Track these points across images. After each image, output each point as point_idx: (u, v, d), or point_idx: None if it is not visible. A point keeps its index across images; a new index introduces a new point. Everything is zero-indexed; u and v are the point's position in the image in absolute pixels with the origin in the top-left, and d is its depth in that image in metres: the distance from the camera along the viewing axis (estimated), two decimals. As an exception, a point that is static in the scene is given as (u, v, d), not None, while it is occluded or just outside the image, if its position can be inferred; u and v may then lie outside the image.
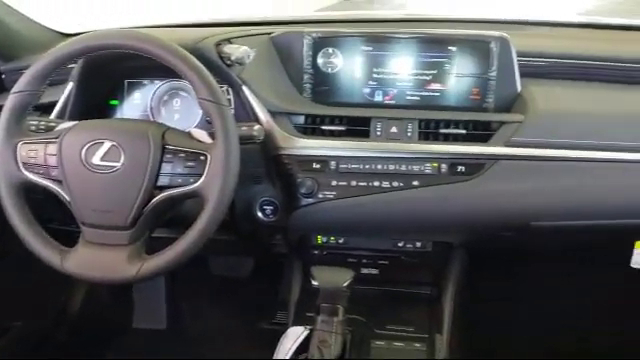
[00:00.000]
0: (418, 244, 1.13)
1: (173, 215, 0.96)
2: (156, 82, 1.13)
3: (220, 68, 1.01)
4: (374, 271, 1.18)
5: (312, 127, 1.06)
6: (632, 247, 1.04)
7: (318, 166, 1.03)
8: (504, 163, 0.99)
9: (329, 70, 1.10)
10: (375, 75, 1.10)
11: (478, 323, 1.33)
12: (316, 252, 1.17)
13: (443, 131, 1.03)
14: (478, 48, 1.06)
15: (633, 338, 1.40)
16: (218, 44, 1.02)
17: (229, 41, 1.05)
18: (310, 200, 1.03)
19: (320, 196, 1.02)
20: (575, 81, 1.13)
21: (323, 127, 1.05)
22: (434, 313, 1.14)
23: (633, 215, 1.02)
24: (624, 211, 1.02)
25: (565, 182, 1.00)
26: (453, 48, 1.07)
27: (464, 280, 1.18)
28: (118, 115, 1.13)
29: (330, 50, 1.10)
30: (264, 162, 1.03)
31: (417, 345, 1.05)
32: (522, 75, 1.08)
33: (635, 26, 1.44)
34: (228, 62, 1.01)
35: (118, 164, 0.87)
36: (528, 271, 1.44)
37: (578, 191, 1.00)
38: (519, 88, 1.06)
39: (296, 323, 1.03)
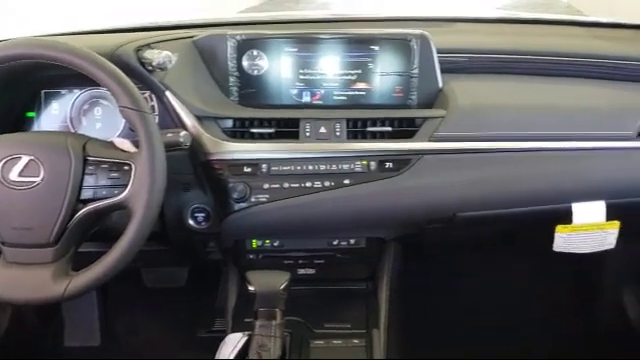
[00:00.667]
0: (352, 241, 1.14)
1: (100, 228, 0.92)
2: (75, 91, 1.08)
3: (141, 74, 0.98)
4: (310, 271, 1.18)
5: (241, 130, 1.05)
6: (554, 232, 1.10)
7: (249, 170, 1.02)
8: (429, 157, 1.02)
9: (255, 72, 1.10)
10: (302, 76, 1.10)
11: (414, 314, 1.36)
12: (252, 256, 1.16)
13: (370, 129, 1.05)
14: (399, 46, 1.08)
15: (560, 321, 1.48)
16: (138, 49, 0.99)
17: (149, 46, 1.02)
18: (243, 205, 1.02)
19: (253, 200, 1.01)
20: (494, 75, 1.18)
21: (252, 130, 1.04)
22: (371, 308, 1.15)
23: (553, 201, 1.07)
24: (544, 197, 1.07)
25: (487, 173, 1.04)
26: (375, 47, 1.08)
27: (398, 273, 1.21)
28: (35, 128, 1.08)
29: (255, 52, 1.09)
30: (193, 168, 1.01)
31: (355, 341, 1.06)
32: (443, 71, 1.11)
33: (549, 20, 1.52)
34: (149, 68, 0.99)
35: (38, 179, 0.83)
36: (459, 260, 1.49)
37: (499, 181, 1.04)
38: (440, 84, 1.10)
39: (234, 330, 1.02)
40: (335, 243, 1.15)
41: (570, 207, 1.06)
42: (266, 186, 1.01)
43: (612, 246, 1.11)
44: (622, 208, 1.09)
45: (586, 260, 1.16)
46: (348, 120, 1.05)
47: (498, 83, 1.15)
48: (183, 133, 0.93)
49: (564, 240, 1.09)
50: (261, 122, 1.05)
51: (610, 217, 1.08)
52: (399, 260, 1.20)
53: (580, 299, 1.59)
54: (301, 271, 1.18)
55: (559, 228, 1.08)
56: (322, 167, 1.02)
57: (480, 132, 1.03)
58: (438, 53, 1.10)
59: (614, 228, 1.10)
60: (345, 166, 1.02)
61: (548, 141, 1.04)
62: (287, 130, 1.04)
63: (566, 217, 1.07)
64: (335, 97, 1.11)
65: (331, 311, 1.14)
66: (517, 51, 1.19)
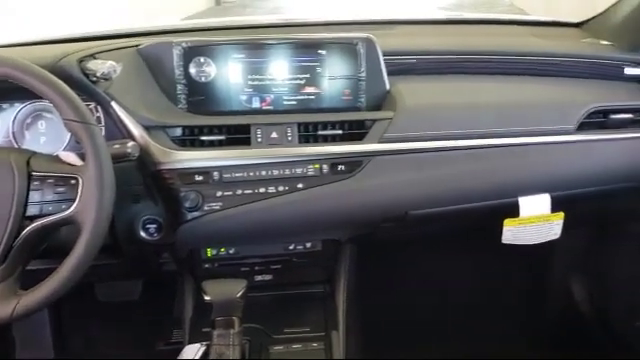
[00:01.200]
0: (308, 245, 1.15)
1: (49, 245, 0.90)
2: (16, 105, 1.05)
3: (85, 85, 0.96)
4: (268, 277, 1.18)
5: (191, 139, 1.03)
6: (502, 225, 1.13)
7: (201, 178, 1.01)
8: (379, 159, 1.04)
9: (203, 79, 1.09)
10: (251, 82, 1.10)
11: (372, 314, 1.37)
12: (207, 266, 1.14)
13: (321, 133, 1.06)
14: (346, 50, 1.10)
15: (512, 310, 1.53)
16: (81, 60, 0.97)
17: (93, 56, 1.01)
18: (196, 214, 1.01)
19: (206, 208, 1.01)
20: (439, 75, 1.21)
21: (202, 138, 1.03)
22: (329, 310, 1.16)
23: (500, 196, 1.10)
24: (491, 193, 1.10)
25: (436, 171, 1.06)
26: (323, 52, 1.09)
27: (354, 274, 1.22)
28: (-24, 144, 1.04)
29: (202, 59, 1.08)
30: (143, 179, 1.00)
31: (315, 344, 1.07)
32: (390, 73, 1.13)
33: (491, 20, 1.57)
34: (93, 79, 0.96)
35: None
36: (413, 258, 1.51)
37: (448, 178, 1.07)
38: (388, 86, 1.11)
39: (192, 340, 1.01)
40: (291, 248, 1.15)
41: (517, 201, 1.10)
42: (219, 194, 1.01)
43: (557, 236, 1.16)
44: (566, 199, 1.13)
45: (534, 251, 1.20)
46: (299, 124, 1.06)
47: (443, 83, 1.18)
48: (131, 144, 0.91)
49: (512, 233, 1.13)
50: (211, 129, 1.04)
51: (555, 209, 1.13)
52: (355, 261, 1.22)
53: (530, 288, 1.65)
54: (258, 278, 1.18)
55: (507, 222, 1.12)
56: (275, 172, 1.02)
57: (427, 132, 1.05)
58: (384, 56, 1.12)
59: (559, 219, 1.14)
60: (298, 170, 1.03)
61: (493, 138, 1.08)
62: (238, 136, 1.04)
63: (513, 211, 1.11)
64: (285, 102, 1.11)
65: (290, 316, 1.14)
66: (460, 51, 1.23)
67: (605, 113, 1.15)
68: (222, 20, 1.53)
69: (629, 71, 1.27)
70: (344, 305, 1.16)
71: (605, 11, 1.37)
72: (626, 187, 1.20)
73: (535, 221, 1.12)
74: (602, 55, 1.27)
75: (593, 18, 1.42)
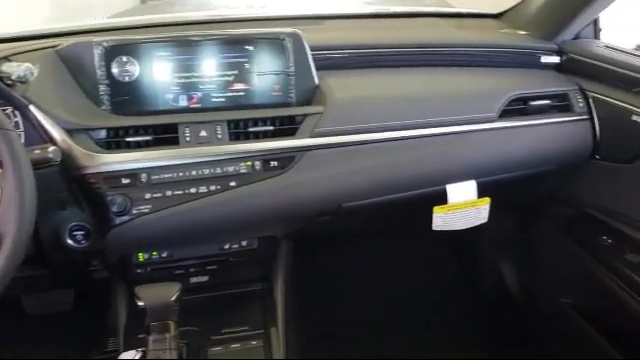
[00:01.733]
0: (244, 243, 1.14)
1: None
2: None
3: (0, 89, 0.91)
4: (204, 278, 1.16)
5: (116, 140, 1.00)
6: (432, 212, 1.16)
7: (128, 181, 0.98)
8: (311, 153, 1.04)
9: (126, 79, 1.05)
10: (177, 80, 1.07)
11: (310, 309, 1.38)
12: (139, 271, 1.12)
13: (252, 129, 1.05)
14: (273, 45, 1.09)
15: (446, 292, 1.58)
16: (-6, 63, 0.92)
17: (8, 59, 0.96)
18: (124, 218, 0.98)
19: (135, 212, 0.98)
20: (367, 69, 1.22)
21: (128, 139, 1.00)
22: (267, 307, 1.16)
23: (429, 184, 1.14)
24: (421, 182, 1.13)
25: (367, 163, 1.08)
26: (250, 47, 1.08)
27: (292, 270, 1.22)
28: None
29: (125, 58, 1.05)
30: (66, 185, 0.96)
31: (254, 342, 1.06)
32: (318, 68, 1.13)
33: (416, 13, 1.61)
34: (9, 82, 0.91)
35: None
36: (349, 250, 1.53)
37: (379, 170, 1.09)
38: (317, 81, 1.12)
39: (127, 348, 0.98)
40: (227, 247, 1.14)
41: (445, 188, 1.14)
42: (148, 196, 0.98)
43: (485, 220, 1.20)
44: (491, 185, 1.18)
45: (464, 235, 1.24)
46: (229, 122, 1.04)
47: (371, 77, 1.20)
48: (52, 148, 0.87)
49: (442, 219, 1.17)
50: (137, 130, 1.01)
51: (481, 194, 1.17)
52: (292, 257, 1.22)
53: (462, 271, 1.71)
54: (194, 279, 1.16)
55: (436, 209, 1.15)
56: (206, 171, 1.01)
57: (357, 125, 1.07)
58: (312, 51, 1.12)
59: (485, 204, 1.19)
60: (230, 168, 1.02)
61: (420, 129, 1.10)
62: (166, 136, 1.01)
63: (442, 198, 1.14)
64: (214, 99, 1.09)
65: (227, 316, 1.13)
66: (387, 45, 1.25)
67: (525, 100, 1.21)
68: (146, 18, 1.48)
69: (545, 59, 1.33)
70: (282, 301, 1.16)
71: (522, 2, 1.44)
72: (547, 170, 1.26)
73: (463, 207, 1.16)
74: (519, 45, 1.33)
75: (511, 9, 1.48)
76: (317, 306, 1.45)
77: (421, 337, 1.57)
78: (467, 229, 1.21)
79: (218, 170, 1.01)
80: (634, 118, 1.16)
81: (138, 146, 1.00)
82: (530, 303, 1.54)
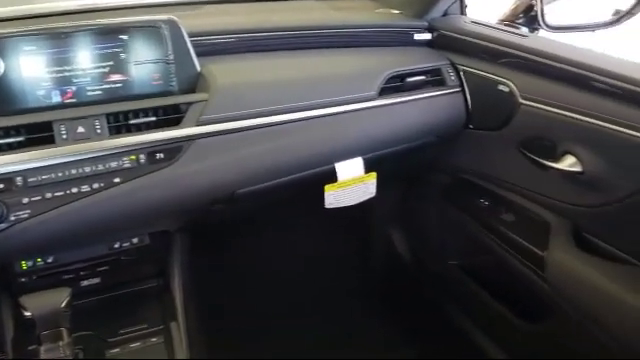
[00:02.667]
0: (135, 240, 1.11)
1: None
2: None
3: None
4: (95, 280, 1.12)
5: None
6: (324, 191, 1.20)
7: (2, 186, 0.91)
8: (200, 142, 1.03)
9: (-11, 77, 0.98)
10: (48, 74, 1.00)
11: (212, 300, 1.38)
12: (24, 280, 1.05)
13: (134, 122, 1.01)
14: (150, 34, 1.05)
15: (344, 265, 1.63)
16: None
17: None
18: (1, 226, 0.91)
19: (12, 218, 0.91)
20: (249, 53, 1.22)
21: None
22: (165, 303, 1.14)
23: (318, 164, 1.17)
24: (310, 162, 1.16)
25: (256, 148, 1.08)
26: (124, 36, 1.04)
27: (188, 263, 1.21)
28: None
29: (-15, 55, 0.97)
30: None
31: (154, 340, 1.05)
32: (199, 54, 1.11)
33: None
34: None
35: None
36: (246, 237, 1.54)
37: (269, 154, 1.10)
38: (198, 68, 1.10)
39: (19, 361, 0.93)
40: (117, 246, 1.10)
41: (334, 167, 1.17)
42: (25, 200, 0.92)
43: (374, 194, 1.26)
44: (377, 160, 1.23)
45: (356, 210, 1.29)
46: (108, 115, 1.00)
47: (253, 61, 1.20)
48: None
49: (334, 197, 1.20)
50: (7, 131, 0.94)
51: (368, 169, 1.22)
52: (188, 249, 1.21)
53: (357, 245, 1.77)
54: (84, 283, 1.11)
55: (327, 187, 1.19)
56: (87, 169, 0.96)
57: (243, 110, 1.07)
58: (191, 37, 1.10)
59: (373, 179, 1.24)
60: (113, 164, 0.98)
61: (305, 111, 1.12)
62: (40, 135, 0.95)
63: (332, 176, 1.18)
64: (89, 93, 1.04)
65: (124, 316, 1.10)
66: (268, 28, 1.25)
67: (402, 77, 1.27)
68: (10, 10, 1.37)
69: (417, 36, 1.40)
70: (181, 296, 1.15)
71: (393, -18, 1.50)
72: (427, 142, 1.34)
73: (352, 183, 1.21)
74: (393, 24, 1.39)
75: (384, -11, 1.54)
76: (218, 296, 1.44)
77: (323, 315, 1.62)
78: (358, 204, 1.26)
79: (100, 167, 0.97)
80: (500, 88, 1.26)
81: (10, 148, 0.93)
82: (421, 269, 1.64)
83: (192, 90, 1.10)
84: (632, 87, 1.01)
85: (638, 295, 0.98)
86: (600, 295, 1.03)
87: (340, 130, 1.17)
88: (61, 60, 1.01)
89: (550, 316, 1.23)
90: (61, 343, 0.86)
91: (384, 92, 1.23)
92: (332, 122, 1.15)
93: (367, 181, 1.23)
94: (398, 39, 1.38)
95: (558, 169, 1.13)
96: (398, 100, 1.24)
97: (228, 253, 1.52)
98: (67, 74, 1.02)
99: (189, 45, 1.09)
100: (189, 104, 1.04)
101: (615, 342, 1.01)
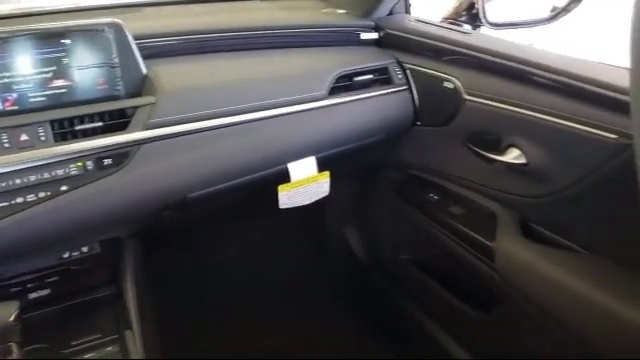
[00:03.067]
0: (85, 249, 1.08)
1: None
2: None
3: None
4: (45, 292, 1.08)
5: None
6: (277, 192, 1.20)
7: None
8: (148, 146, 1.01)
9: None
10: (-14, 82, 0.97)
11: (167, 306, 1.36)
12: None
13: (80, 127, 0.99)
14: (93, 37, 1.03)
15: (300, 264, 1.63)
16: None
17: None
18: None
19: None
20: (196, 55, 1.21)
21: None
22: (119, 311, 1.12)
23: (271, 165, 1.17)
24: (263, 164, 1.16)
25: (207, 151, 1.07)
26: (67, 41, 1.01)
27: (142, 269, 1.19)
28: None
29: None
30: None
31: (109, 349, 1.02)
32: (146, 57, 1.09)
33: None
34: None
35: None
36: (200, 241, 1.52)
37: (220, 156, 1.09)
38: (144, 71, 1.08)
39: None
40: (66, 256, 1.07)
41: (286, 167, 1.18)
42: None
43: (327, 193, 1.27)
44: (329, 159, 1.25)
45: (311, 210, 1.30)
46: (52, 122, 0.97)
47: (200, 63, 1.19)
48: None
49: (287, 197, 1.21)
50: None
51: (321, 168, 1.23)
52: (140, 255, 1.19)
53: (313, 244, 1.79)
54: (33, 295, 1.07)
55: (281, 187, 1.19)
56: (32, 178, 0.93)
57: (192, 113, 1.06)
58: (136, 39, 1.08)
59: (326, 177, 1.26)
60: (59, 172, 0.95)
61: (255, 112, 1.12)
62: None
63: (285, 177, 1.18)
64: (32, 99, 1.00)
65: (78, 326, 1.07)
66: (215, 30, 1.25)
67: (350, 77, 1.28)
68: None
69: (364, 36, 1.43)
70: (135, 303, 1.12)
71: (339, -17, 1.51)
72: (377, 140, 1.36)
73: (305, 183, 1.21)
74: (340, 23, 1.40)
75: (330, -11, 1.55)
76: (174, 301, 1.42)
77: (281, 317, 1.62)
78: (312, 203, 1.27)
79: (46, 175, 0.94)
80: (445, 85, 1.29)
81: None
82: (375, 264, 1.67)
83: (139, 94, 1.08)
84: (570, 81, 1.05)
85: (582, 281, 1.03)
86: (546, 282, 1.08)
87: (291, 130, 1.18)
88: (1, 66, 0.97)
89: (501, 305, 1.28)
90: (12, 358, 0.83)
91: (334, 91, 1.24)
92: (283, 122, 1.16)
93: (320, 180, 1.24)
94: (345, 39, 1.40)
95: (503, 162, 1.16)
96: (348, 99, 1.26)
97: (182, 258, 1.50)
98: (7, 80, 0.98)
99: (134, 48, 1.07)
100: (135, 108, 1.03)
101: (560, 328, 1.06)
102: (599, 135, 1.00)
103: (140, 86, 1.09)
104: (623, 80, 0.98)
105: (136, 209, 1.04)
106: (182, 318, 1.44)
